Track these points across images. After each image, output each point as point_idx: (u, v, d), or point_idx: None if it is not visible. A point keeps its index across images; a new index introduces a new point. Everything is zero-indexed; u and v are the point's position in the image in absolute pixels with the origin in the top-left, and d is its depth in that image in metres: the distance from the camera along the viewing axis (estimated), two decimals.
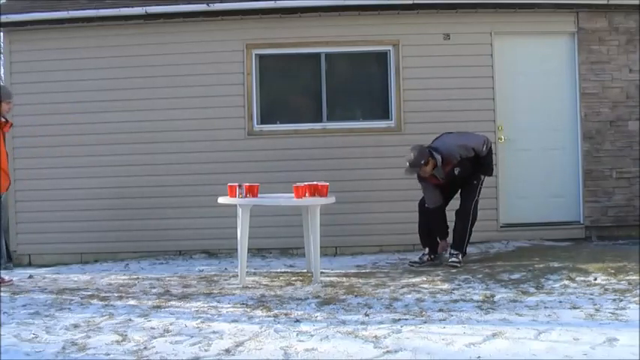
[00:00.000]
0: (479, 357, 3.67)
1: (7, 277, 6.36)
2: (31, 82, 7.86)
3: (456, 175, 6.45)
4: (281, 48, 8.02)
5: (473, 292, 5.30)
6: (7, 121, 6.43)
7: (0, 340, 4.19)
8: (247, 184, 6.07)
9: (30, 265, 7.78)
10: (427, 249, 6.67)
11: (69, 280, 6.47)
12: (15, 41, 8.08)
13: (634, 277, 5.48)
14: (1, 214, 6.57)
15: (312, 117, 8.05)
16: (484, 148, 6.44)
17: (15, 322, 4.69)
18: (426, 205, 6.58)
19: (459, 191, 6.60)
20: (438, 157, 6.33)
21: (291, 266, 6.99)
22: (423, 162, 6.32)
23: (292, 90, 8.32)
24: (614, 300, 4.83)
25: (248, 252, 6.18)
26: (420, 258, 6.65)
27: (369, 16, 7.90)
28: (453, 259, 6.44)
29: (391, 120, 7.98)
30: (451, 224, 6.64)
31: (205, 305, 5.11)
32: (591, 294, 5.06)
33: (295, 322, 4.52)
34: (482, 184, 6.55)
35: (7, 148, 6.51)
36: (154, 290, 5.79)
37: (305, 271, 6.58)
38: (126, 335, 4.29)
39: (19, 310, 5.06)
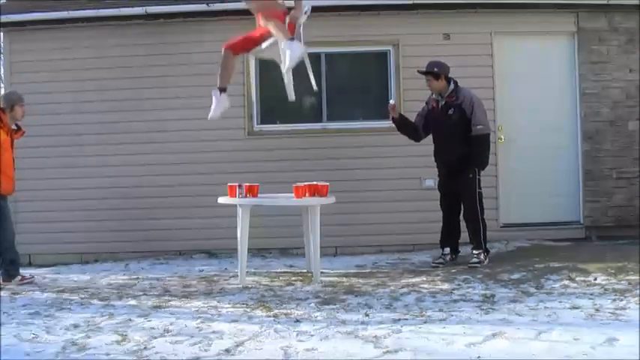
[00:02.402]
0: (479, 357, 3.67)
1: (27, 275, 6.39)
2: (31, 82, 7.84)
3: (449, 119, 6.42)
4: None
5: (473, 292, 5.30)
6: (19, 128, 6.43)
7: (0, 340, 4.19)
8: (247, 184, 6.07)
9: (30, 265, 7.76)
10: (448, 249, 6.68)
11: (69, 280, 6.47)
12: (15, 41, 8.08)
13: (634, 277, 5.48)
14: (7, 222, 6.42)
15: (312, 117, 8.06)
16: (481, 128, 6.40)
17: (15, 322, 4.69)
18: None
19: (460, 195, 6.55)
20: (452, 86, 6.42)
21: (291, 266, 6.99)
22: (436, 70, 6.37)
23: None
24: (614, 300, 4.83)
25: (248, 252, 6.18)
26: (442, 258, 6.65)
27: (369, 16, 7.90)
28: (474, 259, 6.42)
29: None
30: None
31: (205, 305, 5.11)
32: (591, 294, 5.06)
33: (295, 322, 4.52)
34: (479, 177, 6.48)
35: None
36: (153, 290, 5.79)
37: (305, 271, 6.58)
38: (126, 335, 4.29)
39: (19, 310, 5.07)
